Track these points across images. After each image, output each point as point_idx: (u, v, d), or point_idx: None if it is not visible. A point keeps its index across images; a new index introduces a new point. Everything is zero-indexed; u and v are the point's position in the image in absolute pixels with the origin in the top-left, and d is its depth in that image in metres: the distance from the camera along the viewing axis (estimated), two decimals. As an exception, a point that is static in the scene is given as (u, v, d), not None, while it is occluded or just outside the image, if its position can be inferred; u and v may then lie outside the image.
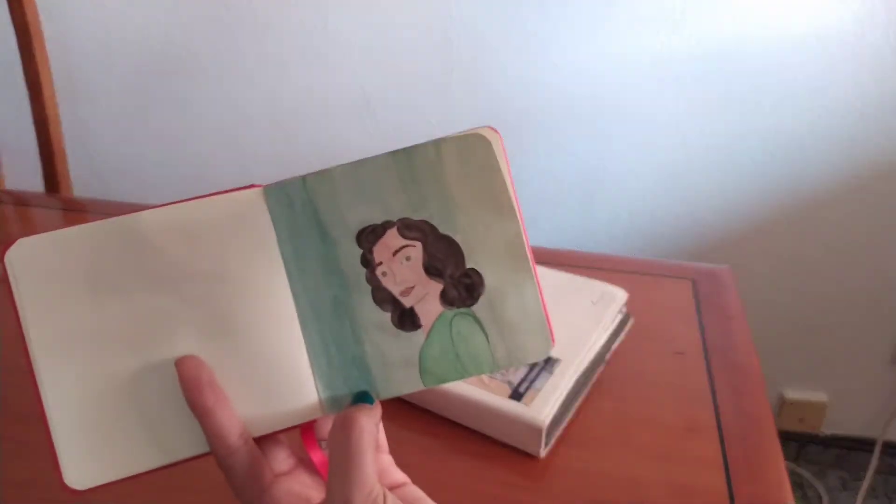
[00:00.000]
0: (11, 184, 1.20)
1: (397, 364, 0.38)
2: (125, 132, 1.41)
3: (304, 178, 0.38)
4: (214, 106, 1.36)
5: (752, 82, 1.22)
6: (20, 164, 1.29)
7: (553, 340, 0.38)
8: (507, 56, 1.25)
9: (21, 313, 0.36)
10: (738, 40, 1.19)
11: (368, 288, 0.38)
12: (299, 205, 0.38)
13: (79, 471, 0.36)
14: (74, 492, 0.36)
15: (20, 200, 0.98)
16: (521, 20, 1.21)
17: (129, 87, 1.37)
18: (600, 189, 1.35)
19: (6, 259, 0.35)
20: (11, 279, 0.35)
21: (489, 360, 0.38)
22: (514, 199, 0.38)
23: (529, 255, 0.38)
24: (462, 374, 0.38)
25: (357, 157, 0.37)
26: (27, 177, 1.18)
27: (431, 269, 0.38)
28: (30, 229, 0.38)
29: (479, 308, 0.38)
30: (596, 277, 0.71)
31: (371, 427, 0.35)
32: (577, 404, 0.60)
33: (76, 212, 0.95)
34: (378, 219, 0.38)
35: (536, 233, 1.39)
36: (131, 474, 0.37)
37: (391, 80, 1.29)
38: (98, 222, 0.36)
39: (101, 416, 0.36)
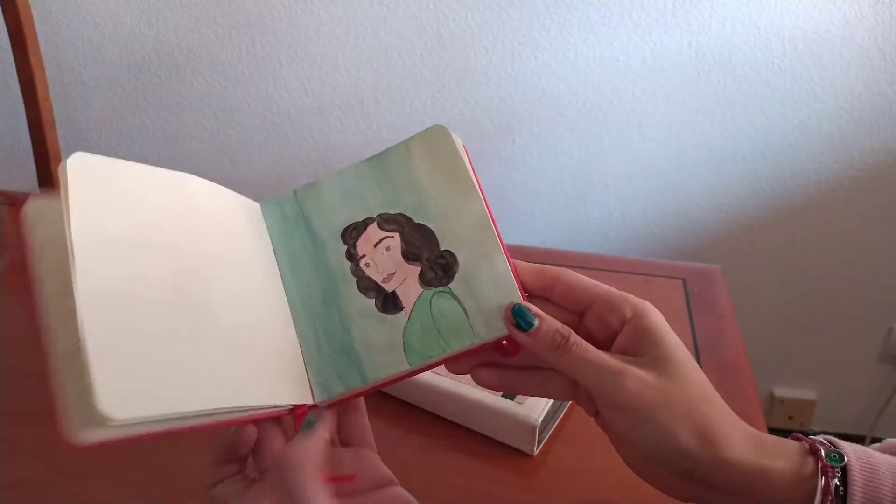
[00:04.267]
0: (5, 184, 1.20)
1: (383, 347, 0.40)
2: (118, 132, 1.41)
3: (294, 192, 0.44)
4: (207, 106, 1.36)
5: (743, 83, 1.23)
6: (14, 165, 1.29)
7: (525, 301, 0.39)
8: (500, 56, 1.25)
9: (68, 213, 0.34)
10: (729, 42, 1.20)
11: (353, 279, 0.42)
12: (292, 215, 0.44)
13: (117, 396, 0.30)
14: (108, 419, 0.29)
15: (14, 201, 0.98)
16: (514, 21, 1.22)
17: (123, 88, 1.36)
18: (592, 189, 1.36)
19: (67, 162, 0.36)
20: (69, 179, 0.35)
21: (469, 331, 0.39)
22: (475, 180, 0.41)
23: (495, 229, 0.40)
24: (445, 349, 0.39)
25: (350, 158, 0.40)
26: (21, 177, 1.18)
27: (409, 255, 0.41)
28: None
29: (455, 285, 0.40)
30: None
31: (311, 456, 0.35)
32: (568, 403, 0.61)
33: (70, 212, 0.95)
34: (359, 217, 0.42)
35: (529, 233, 1.40)
36: (172, 414, 0.32)
37: (384, 80, 1.30)
38: (158, 169, 0.41)
39: (142, 337, 0.34)
